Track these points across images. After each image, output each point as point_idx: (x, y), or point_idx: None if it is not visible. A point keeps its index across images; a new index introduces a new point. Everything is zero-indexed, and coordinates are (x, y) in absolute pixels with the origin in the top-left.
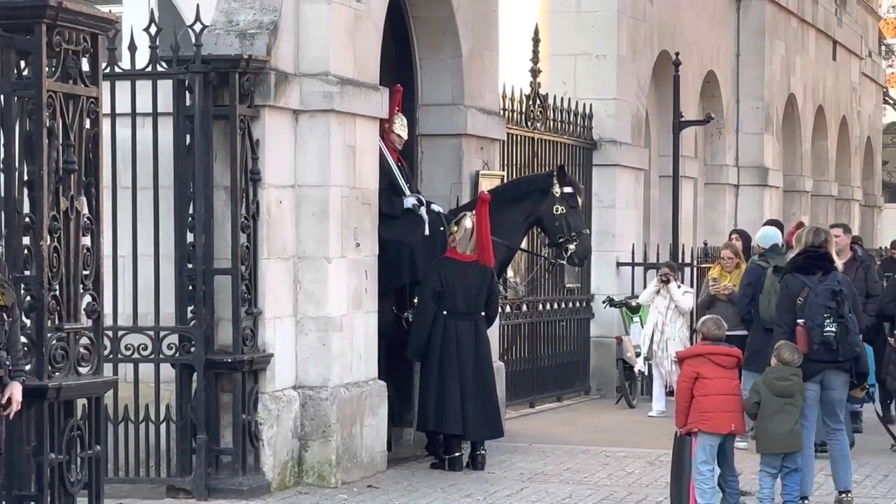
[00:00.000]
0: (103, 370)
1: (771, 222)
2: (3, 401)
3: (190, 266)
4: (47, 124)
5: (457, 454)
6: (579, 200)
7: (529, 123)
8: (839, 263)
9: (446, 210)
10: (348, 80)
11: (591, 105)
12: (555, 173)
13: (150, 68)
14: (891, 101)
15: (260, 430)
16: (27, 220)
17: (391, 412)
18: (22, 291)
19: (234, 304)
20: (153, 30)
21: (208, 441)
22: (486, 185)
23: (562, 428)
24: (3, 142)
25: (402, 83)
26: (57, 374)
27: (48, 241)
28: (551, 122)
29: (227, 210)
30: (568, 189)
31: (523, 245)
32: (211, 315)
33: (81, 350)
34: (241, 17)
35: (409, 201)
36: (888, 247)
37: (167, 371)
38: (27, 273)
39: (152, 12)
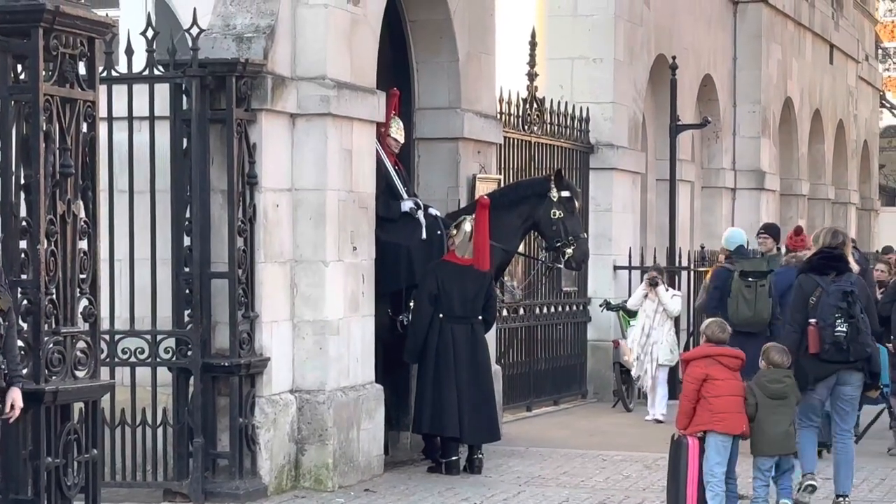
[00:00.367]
0: (100, 374)
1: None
2: (7, 408)
3: (187, 270)
4: (44, 128)
5: (454, 458)
6: (577, 204)
7: (526, 127)
8: (855, 266)
9: (443, 214)
10: (345, 84)
11: (587, 109)
12: (552, 177)
13: (146, 72)
14: (887, 105)
15: (257, 433)
16: (24, 223)
17: (388, 416)
18: (19, 295)
19: (231, 307)
20: (150, 34)
21: (205, 445)
22: (482, 189)
23: (559, 431)
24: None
25: (398, 87)
26: (54, 377)
27: (45, 245)
28: (548, 126)
29: (224, 214)
30: (565, 193)
31: (521, 249)
32: (208, 319)
33: (78, 354)
34: (238, 20)
35: (407, 205)
36: (879, 251)
37: (164, 375)
38: (24, 277)
39: (149, 16)
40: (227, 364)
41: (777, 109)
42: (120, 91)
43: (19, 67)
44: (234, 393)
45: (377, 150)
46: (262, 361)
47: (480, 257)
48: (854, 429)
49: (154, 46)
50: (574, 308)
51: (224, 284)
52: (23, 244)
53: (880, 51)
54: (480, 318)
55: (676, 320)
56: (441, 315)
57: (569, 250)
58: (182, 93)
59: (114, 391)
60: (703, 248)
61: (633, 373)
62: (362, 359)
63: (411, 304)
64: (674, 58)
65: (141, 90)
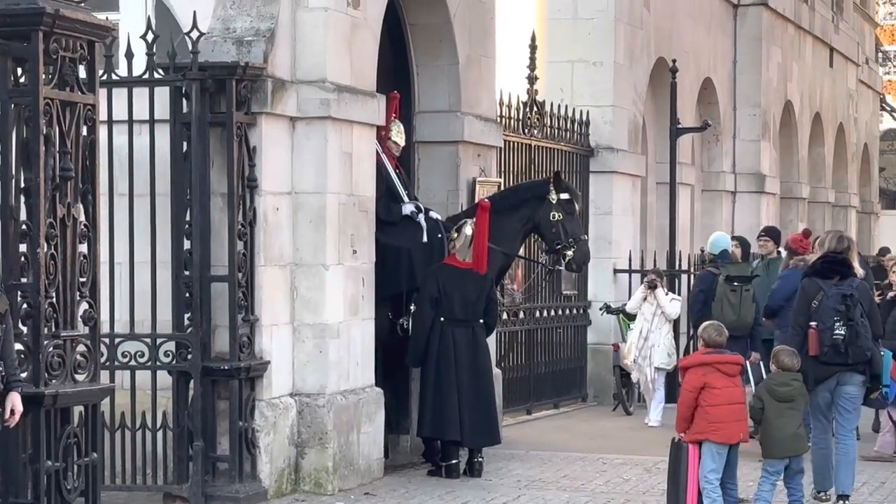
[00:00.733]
0: (100, 377)
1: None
2: (7, 413)
3: (187, 273)
4: (44, 131)
5: (454, 461)
6: (576, 207)
7: (526, 130)
8: (860, 271)
9: (444, 217)
10: (345, 88)
11: (587, 112)
12: (551, 180)
13: (146, 75)
14: (888, 108)
15: (257, 437)
16: (24, 227)
17: (388, 419)
18: (19, 299)
19: (231, 311)
20: (150, 37)
21: (205, 448)
22: (482, 193)
23: (559, 435)
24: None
25: (398, 90)
26: (53, 381)
27: (45, 249)
28: (548, 129)
29: (224, 217)
30: (565, 195)
31: (521, 252)
32: (208, 322)
33: (78, 357)
34: (238, 24)
35: (408, 208)
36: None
37: (164, 378)
38: (24, 280)
39: (149, 19)
40: (226, 367)
41: (777, 113)
42: (120, 94)
43: (19, 71)
44: (234, 396)
45: (378, 154)
46: (261, 365)
47: (479, 260)
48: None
49: (154, 50)
50: (574, 311)
51: (224, 288)
52: (23, 248)
53: (880, 54)
54: (481, 321)
55: (676, 324)
56: (442, 319)
57: (569, 252)
58: (182, 96)
59: (114, 395)
60: (703, 251)
61: (632, 376)
62: (362, 362)
63: (412, 307)
64: (674, 61)
65: (141, 93)
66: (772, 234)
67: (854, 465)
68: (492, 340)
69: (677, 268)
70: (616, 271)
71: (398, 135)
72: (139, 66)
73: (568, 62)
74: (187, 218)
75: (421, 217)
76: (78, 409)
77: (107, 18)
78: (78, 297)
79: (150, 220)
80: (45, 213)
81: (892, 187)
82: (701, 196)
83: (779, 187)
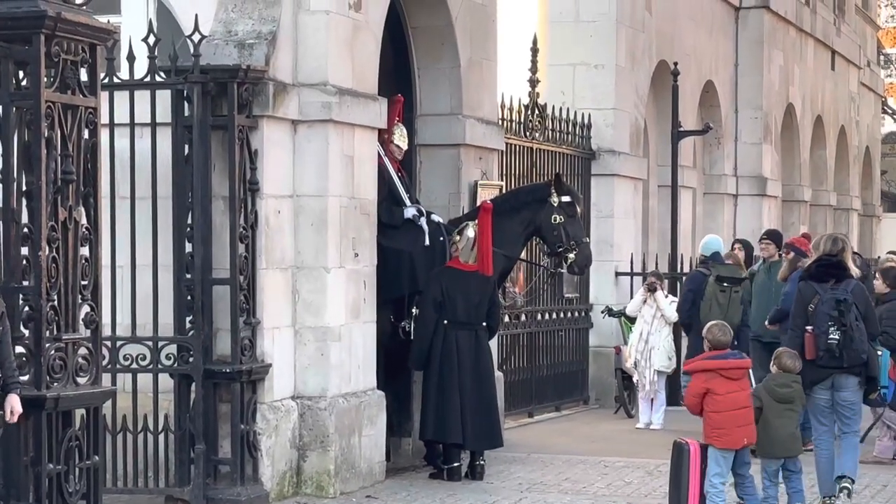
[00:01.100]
0: (101, 380)
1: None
2: (7, 415)
3: (188, 276)
4: (46, 134)
5: (456, 464)
6: (578, 209)
7: (528, 133)
8: (856, 271)
9: (445, 220)
10: (347, 91)
11: (589, 115)
12: (552, 182)
13: (148, 78)
14: (889, 111)
15: (258, 440)
16: (25, 230)
17: (389, 422)
18: (20, 301)
19: (233, 314)
20: (152, 40)
21: (206, 451)
22: (484, 196)
23: (560, 438)
24: (1, 152)
25: (400, 93)
26: (55, 384)
27: (46, 252)
28: (550, 132)
29: (226, 220)
30: (566, 198)
31: (523, 255)
32: (209, 325)
33: (80, 360)
34: (240, 27)
35: (410, 211)
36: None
37: (165, 381)
38: (25, 283)
39: (151, 22)
40: (228, 370)
41: (779, 115)
42: (121, 97)
43: (21, 74)
44: (235, 399)
45: (380, 157)
46: (263, 368)
47: (484, 262)
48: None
49: (156, 53)
50: (576, 314)
51: (226, 291)
52: (24, 251)
53: (882, 57)
54: (484, 324)
55: (676, 327)
56: (446, 322)
57: (571, 255)
58: (184, 99)
59: (115, 398)
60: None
61: (634, 379)
62: (364, 365)
63: (414, 310)
64: (675, 64)
65: (142, 96)
66: (773, 237)
67: (857, 451)
68: (494, 343)
69: (679, 271)
70: (618, 274)
71: (401, 138)
72: (141, 69)
73: (569, 65)
74: (189, 221)
75: (423, 220)
76: (79, 412)
77: (108, 21)
78: (80, 300)
79: (151, 223)
80: (47, 217)
81: (894, 190)
82: (702, 199)
83: (780, 190)
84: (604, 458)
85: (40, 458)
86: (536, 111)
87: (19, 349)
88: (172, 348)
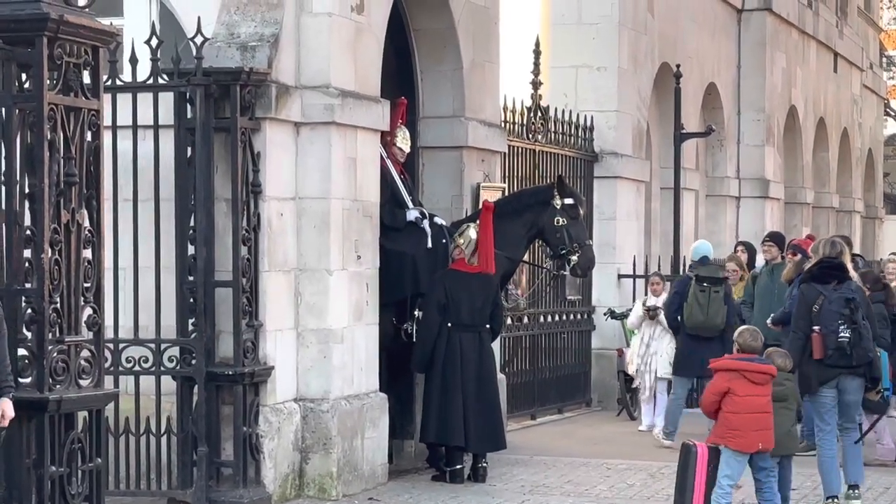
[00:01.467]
0: (104, 383)
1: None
2: None
3: (191, 278)
4: (48, 137)
5: (458, 466)
6: (580, 211)
7: (530, 135)
8: (854, 274)
9: (448, 222)
10: (349, 93)
11: (592, 117)
12: (555, 185)
13: (151, 81)
14: (892, 113)
15: (261, 442)
16: (28, 232)
17: (392, 424)
18: (23, 304)
19: (235, 316)
20: (154, 42)
21: (209, 453)
22: (487, 198)
23: (563, 440)
24: (4, 154)
25: (402, 95)
26: (58, 386)
27: (49, 254)
28: (552, 135)
29: (229, 222)
30: (569, 200)
31: (525, 257)
32: (212, 327)
33: (82, 363)
34: (243, 29)
35: (412, 214)
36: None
37: (168, 383)
38: (28, 286)
39: (153, 25)
40: (231, 373)
41: (781, 118)
42: (124, 100)
43: (23, 76)
44: (238, 401)
45: (383, 159)
46: (266, 370)
47: (486, 260)
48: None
49: (158, 55)
50: (578, 317)
51: (228, 293)
52: (27, 253)
53: (885, 59)
54: (487, 326)
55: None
56: (449, 324)
57: (574, 257)
58: (186, 101)
59: (118, 400)
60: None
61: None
62: (366, 367)
63: (416, 312)
64: (678, 66)
65: (145, 99)
66: (776, 239)
67: (861, 456)
68: (496, 345)
69: (681, 273)
70: (620, 276)
71: (404, 141)
72: (143, 72)
73: (572, 67)
74: (191, 223)
75: (425, 223)
76: (82, 415)
77: (111, 24)
78: (82, 303)
79: (154, 225)
80: (50, 219)
81: None
82: (705, 201)
83: (783, 192)
84: (606, 461)
85: (43, 461)
86: (539, 113)
87: (22, 351)
88: (175, 351)
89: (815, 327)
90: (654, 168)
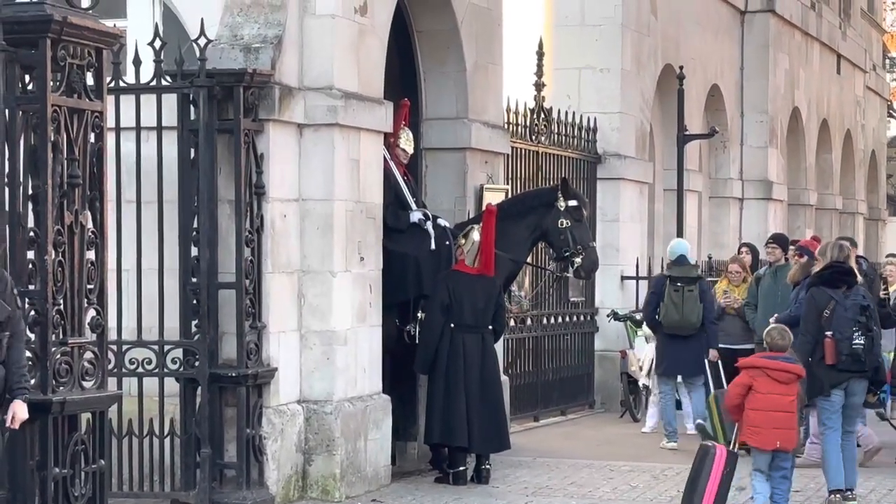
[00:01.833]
0: (107, 384)
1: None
2: (9, 421)
3: (194, 280)
4: (52, 138)
5: (461, 468)
6: (584, 213)
7: (534, 137)
8: (860, 278)
9: (451, 224)
10: (352, 94)
11: (595, 119)
12: (559, 187)
13: (154, 82)
14: (895, 115)
15: (264, 444)
16: (31, 234)
17: (395, 426)
18: (27, 306)
19: (239, 318)
20: (157, 44)
21: (212, 455)
22: (490, 199)
23: (566, 442)
24: (7, 156)
25: (406, 97)
26: (61, 388)
27: (52, 256)
28: (555, 136)
29: (232, 224)
30: (573, 202)
31: (528, 259)
32: (215, 329)
33: (86, 364)
34: (246, 31)
35: (416, 216)
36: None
37: (171, 385)
38: (31, 287)
39: (157, 26)
40: (234, 374)
41: (784, 119)
42: (127, 101)
43: (27, 78)
44: (241, 403)
45: (386, 161)
46: (269, 372)
47: (486, 263)
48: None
49: (162, 57)
50: (581, 318)
51: (231, 295)
52: (30, 255)
53: (888, 60)
54: (490, 327)
55: None
56: (452, 325)
57: (577, 259)
58: (189, 103)
59: (121, 402)
60: (710, 258)
61: (640, 383)
62: (370, 369)
63: (419, 314)
64: (681, 68)
65: (148, 100)
66: (780, 241)
67: (856, 461)
68: (499, 347)
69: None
70: (623, 278)
71: (407, 142)
72: (147, 73)
73: (575, 69)
74: (195, 225)
75: (429, 224)
76: (85, 416)
77: (114, 25)
78: (85, 304)
79: (157, 226)
80: (53, 220)
81: None
82: (708, 203)
83: (786, 194)
84: (609, 462)
85: (46, 462)
86: (542, 115)
87: (25, 353)
88: (178, 352)
89: (828, 333)
90: (657, 170)
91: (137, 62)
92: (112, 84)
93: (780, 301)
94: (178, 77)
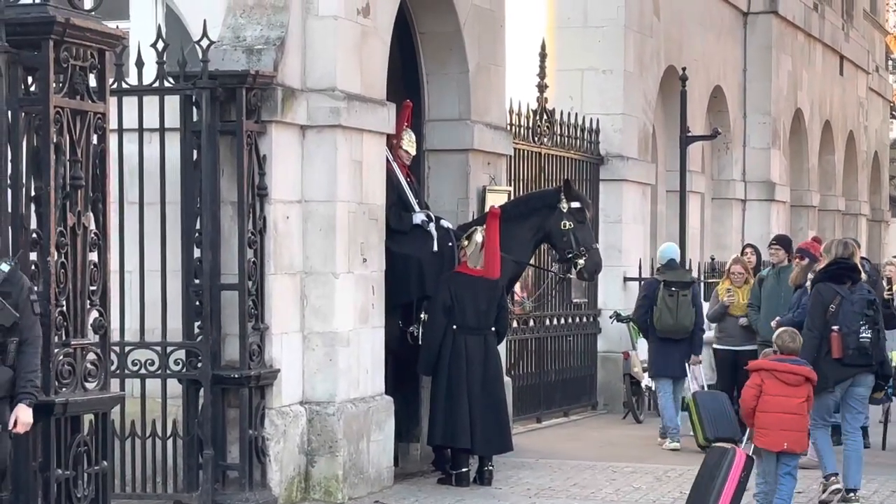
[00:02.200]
0: (110, 386)
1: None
2: (10, 424)
3: (197, 281)
4: (54, 140)
5: (464, 469)
6: (587, 215)
7: (536, 138)
8: (864, 275)
9: (454, 225)
10: (355, 96)
11: (597, 120)
12: (562, 188)
13: (157, 84)
14: None
15: (266, 445)
16: (34, 235)
17: (398, 427)
18: None
19: (241, 319)
20: (160, 45)
21: (215, 456)
22: (492, 201)
23: (569, 443)
24: (10, 157)
25: (408, 98)
26: (64, 389)
27: (55, 257)
28: (558, 138)
29: (234, 225)
30: (576, 204)
31: (531, 261)
32: (218, 330)
33: (88, 365)
34: (248, 32)
35: (419, 217)
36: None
37: (174, 386)
38: (34, 289)
39: (159, 28)
40: (236, 376)
41: (787, 120)
42: (130, 103)
43: (30, 79)
44: (244, 404)
45: (389, 162)
46: (271, 373)
47: (491, 266)
48: (866, 439)
49: (164, 58)
50: (584, 319)
51: (234, 296)
52: (33, 256)
53: (891, 62)
54: (493, 329)
55: None
56: (455, 327)
57: (581, 261)
58: (192, 104)
59: (124, 403)
60: (713, 259)
61: (643, 384)
62: (372, 370)
63: (422, 315)
64: (684, 69)
65: (151, 102)
66: (783, 242)
67: (862, 460)
68: (502, 348)
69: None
70: (626, 279)
71: (409, 144)
72: (149, 75)
73: (578, 70)
74: (197, 226)
75: (432, 226)
76: (88, 418)
77: (117, 27)
78: (88, 306)
79: (160, 228)
80: (56, 222)
81: None
82: (711, 204)
83: (789, 195)
84: (612, 464)
85: (49, 464)
86: (545, 116)
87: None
88: (181, 354)
89: (834, 327)
90: (659, 171)
91: (140, 64)
92: (115, 86)
93: (782, 302)
94: (180, 79)
